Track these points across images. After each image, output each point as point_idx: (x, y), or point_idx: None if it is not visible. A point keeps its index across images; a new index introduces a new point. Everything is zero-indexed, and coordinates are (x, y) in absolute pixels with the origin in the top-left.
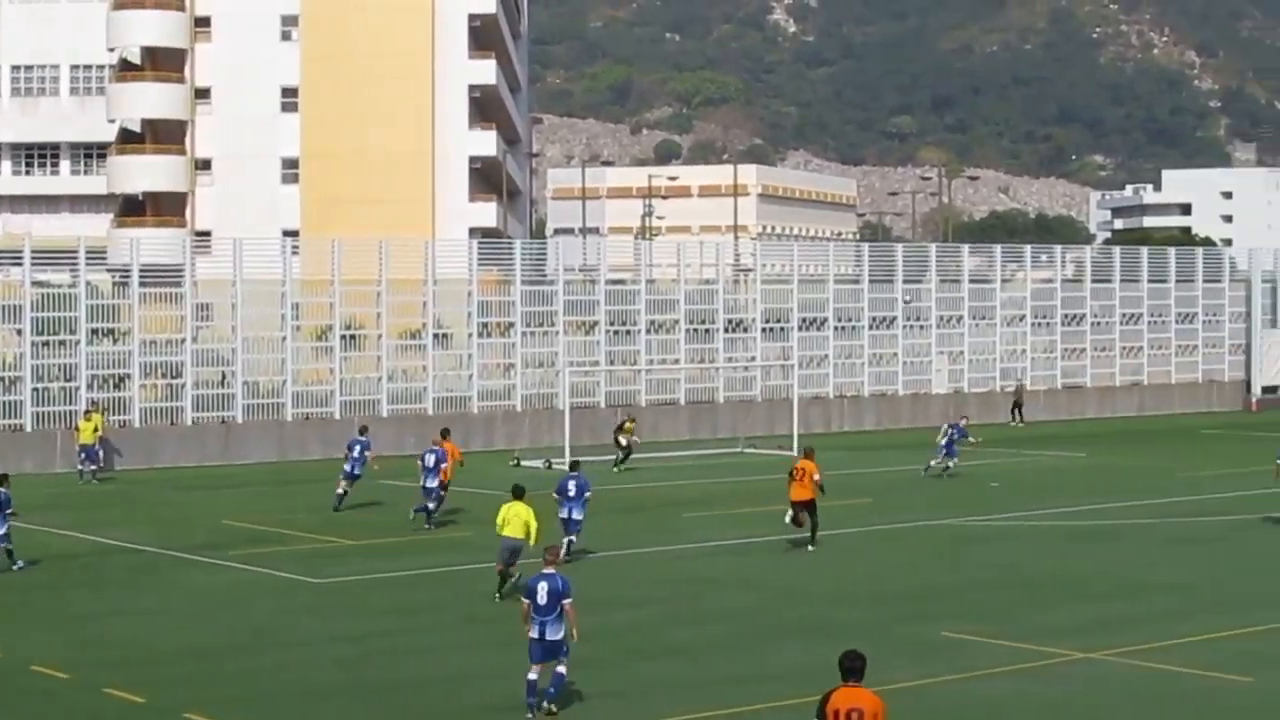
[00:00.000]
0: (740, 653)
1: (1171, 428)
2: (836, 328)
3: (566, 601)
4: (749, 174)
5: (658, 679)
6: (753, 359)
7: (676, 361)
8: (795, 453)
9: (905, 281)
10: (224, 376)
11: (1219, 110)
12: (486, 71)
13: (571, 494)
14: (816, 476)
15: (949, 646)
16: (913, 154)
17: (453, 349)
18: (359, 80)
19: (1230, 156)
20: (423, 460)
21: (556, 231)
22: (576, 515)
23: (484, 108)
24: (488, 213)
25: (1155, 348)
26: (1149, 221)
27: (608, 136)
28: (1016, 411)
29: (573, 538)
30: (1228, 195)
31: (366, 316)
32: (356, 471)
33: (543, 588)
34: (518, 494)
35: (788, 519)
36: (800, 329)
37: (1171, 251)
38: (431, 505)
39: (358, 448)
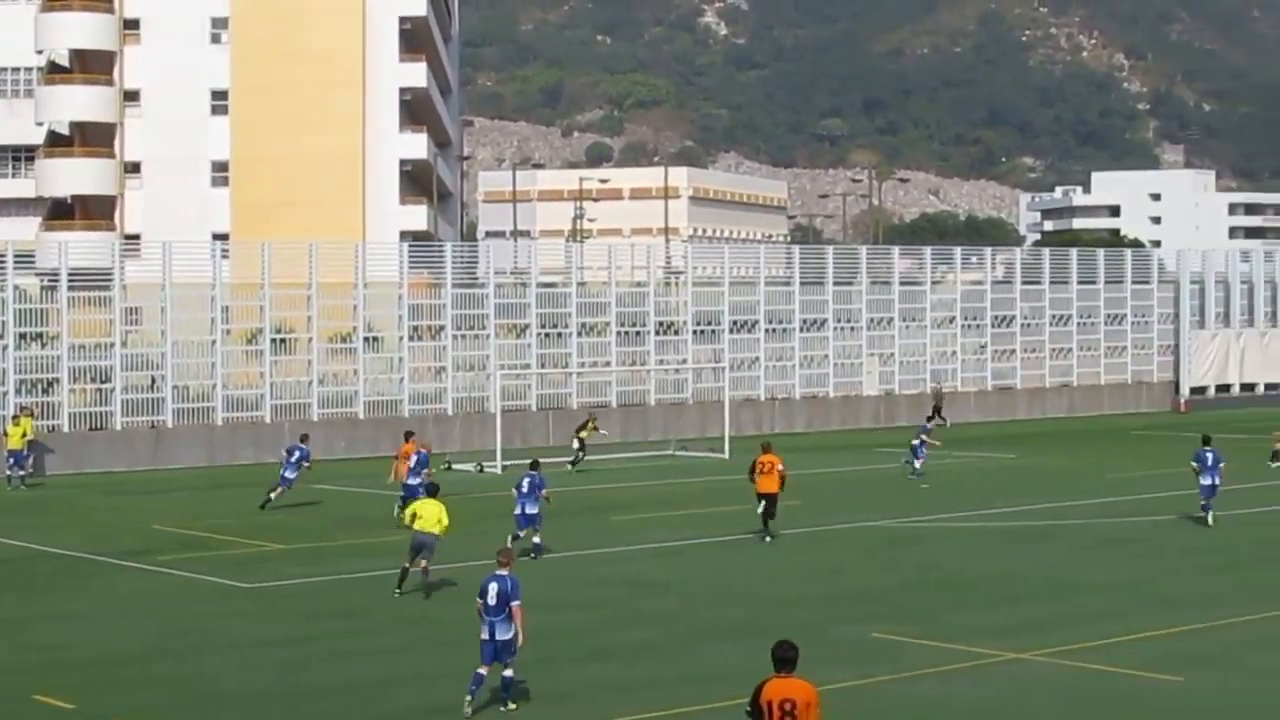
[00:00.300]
0: (673, 655)
1: (1101, 428)
2: (767, 330)
3: (515, 603)
4: (680, 176)
5: (590, 682)
6: (684, 361)
7: (608, 364)
8: (726, 455)
9: (836, 284)
10: (154, 381)
11: (1148, 112)
12: (417, 74)
13: (525, 490)
14: (781, 467)
15: (880, 648)
16: (843, 156)
17: (383, 352)
18: (289, 83)
19: (1159, 158)
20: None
21: (487, 234)
22: (531, 510)
23: (414, 110)
24: (418, 216)
25: (1085, 349)
26: (1078, 223)
27: (539, 139)
28: (937, 413)
29: (536, 538)
30: (1156, 197)
31: (297, 320)
32: (290, 475)
33: (493, 589)
34: (431, 492)
35: (760, 510)
36: (731, 331)
37: (1100, 253)
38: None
39: (296, 454)
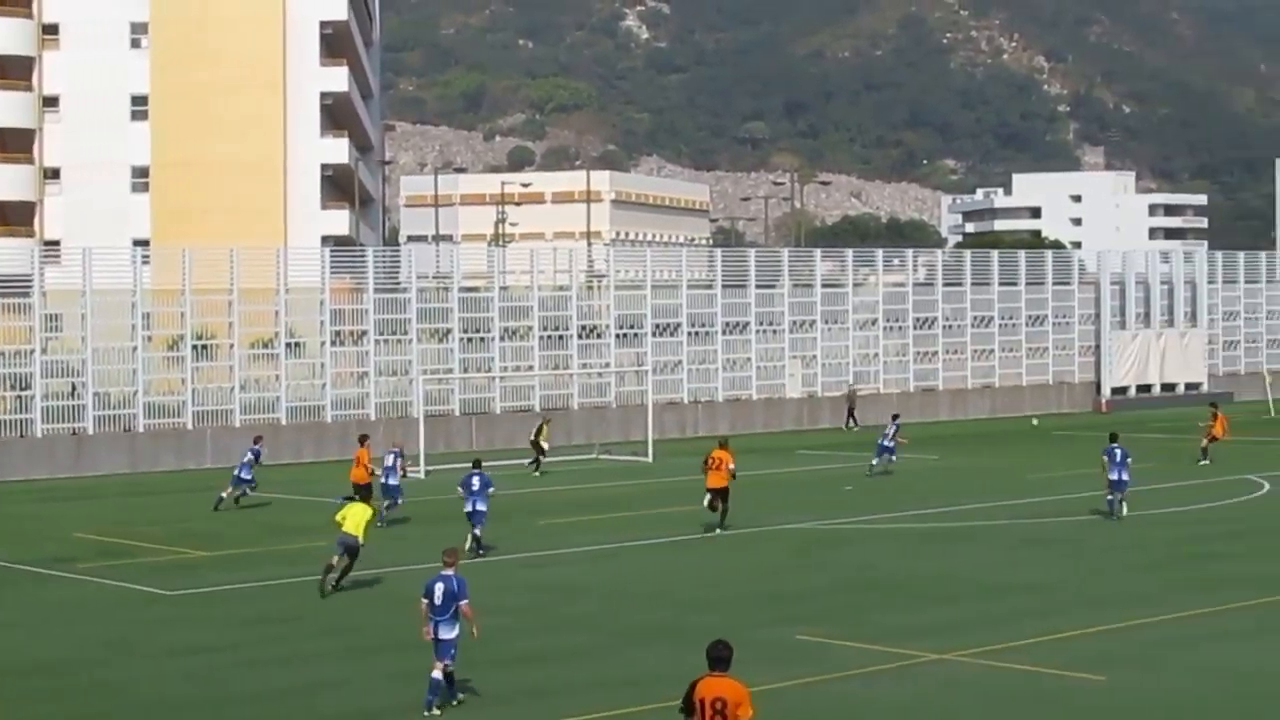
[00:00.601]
0: (597, 659)
1: (1023, 429)
2: (690, 333)
3: (463, 603)
4: (602, 180)
5: (514, 687)
6: (607, 365)
7: (531, 368)
8: (650, 458)
9: (758, 287)
10: (74, 388)
11: (1068, 114)
12: (338, 79)
13: (475, 488)
14: (731, 465)
15: (804, 649)
16: (765, 159)
17: (306, 358)
18: (210, 88)
19: (1079, 160)
20: (383, 460)
21: (410, 239)
22: (481, 507)
23: (336, 115)
24: (340, 220)
25: (1006, 350)
26: (1000, 225)
27: (461, 143)
28: (851, 416)
29: (478, 531)
30: (1077, 199)
31: (218, 326)
32: (245, 476)
33: (439, 589)
34: (364, 497)
35: (705, 503)
36: (654, 334)
37: (1022, 254)
38: (390, 502)
39: (250, 454)
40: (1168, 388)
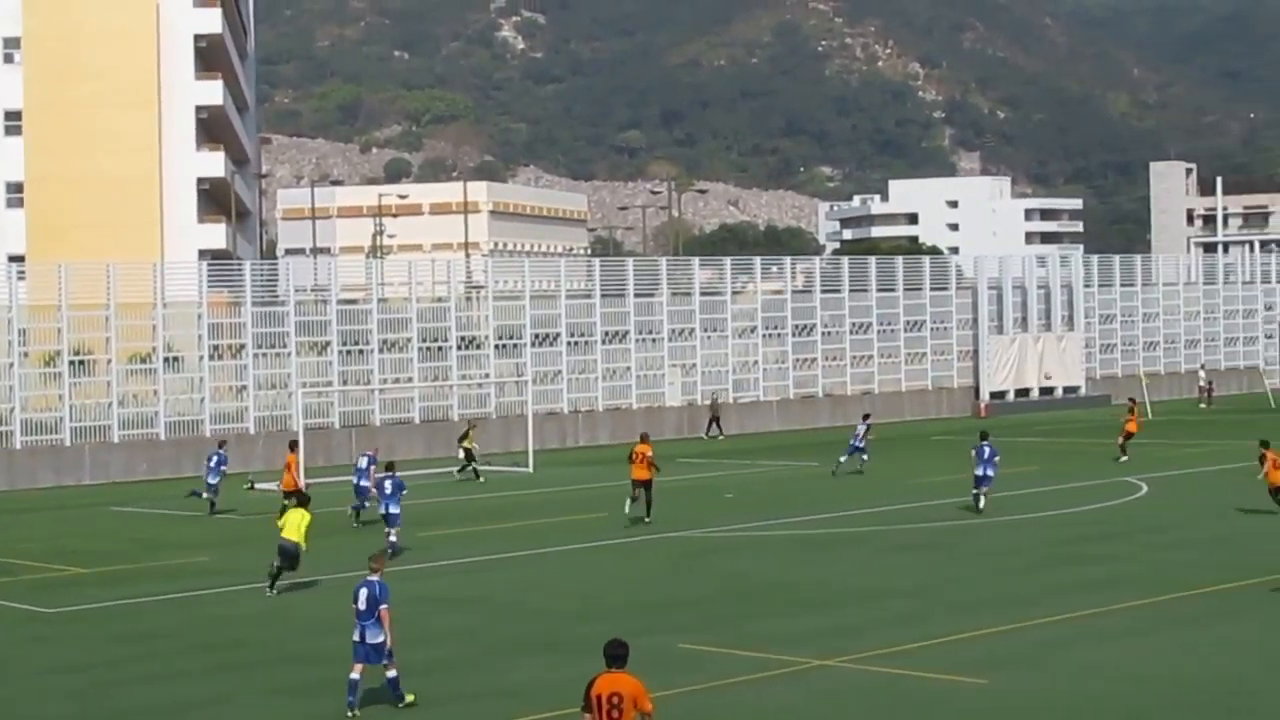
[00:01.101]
0: (473, 671)
1: (903, 434)
2: (569, 342)
3: (383, 607)
4: (480, 191)
5: (384, 700)
6: (486, 376)
7: (410, 380)
8: (530, 469)
9: (637, 295)
10: None
11: (943, 120)
12: (213, 92)
13: (389, 491)
14: (650, 455)
15: (687, 658)
16: (642, 168)
17: (184, 372)
18: (84, 102)
19: (955, 166)
20: (355, 463)
21: (287, 252)
22: (394, 510)
23: (211, 128)
24: (217, 234)
25: (885, 356)
26: (877, 231)
27: (337, 156)
28: (714, 424)
29: (392, 533)
30: (953, 204)
31: (95, 341)
32: (214, 481)
33: (363, 593)
34: (302, 502)
35: (630, 497)
36: (533, 345)
37: (899, 260)
38: (360, 503)
39: (214, 459)
40: (1045, 391)
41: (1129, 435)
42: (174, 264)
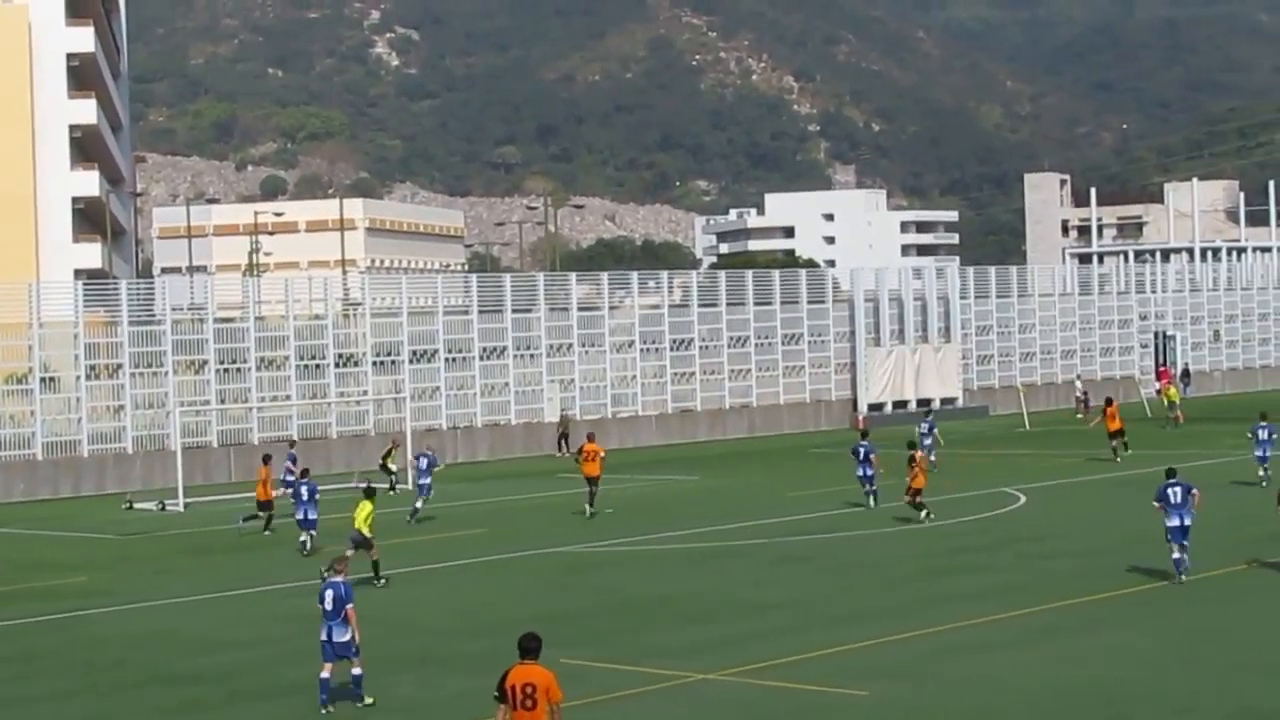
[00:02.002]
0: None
1: (782, 447)
2: (447, 359)
3: (349, 606)
4: (355, 208)
5: (283, 716)
6: (365, 393)
7: (288, 398)
8: (406, 485)
9: (514, 311)
10: None
11: (818, 133)
12: (87, 111)
13: (305, 497)
14: (602, 454)
15: (568, 674)
16: (519, 184)
17: (61, 392)
18: None
19: (831, 179)
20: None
21: (164, 270)
22: (312, 515)
23: (85, 147)
24: (92, 254)
25: (763, 369)
26: (753, 245)
27: (213, 173)
28: (563, 442)
29: (313, 534)
30: (829, 217)
31: None
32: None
33: (329, 595)
34: (369, 494)
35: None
36: (411, 361)
37: (776, 274)
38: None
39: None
40: (923, 403)
41: (1116, 433)
42: (49, 284)
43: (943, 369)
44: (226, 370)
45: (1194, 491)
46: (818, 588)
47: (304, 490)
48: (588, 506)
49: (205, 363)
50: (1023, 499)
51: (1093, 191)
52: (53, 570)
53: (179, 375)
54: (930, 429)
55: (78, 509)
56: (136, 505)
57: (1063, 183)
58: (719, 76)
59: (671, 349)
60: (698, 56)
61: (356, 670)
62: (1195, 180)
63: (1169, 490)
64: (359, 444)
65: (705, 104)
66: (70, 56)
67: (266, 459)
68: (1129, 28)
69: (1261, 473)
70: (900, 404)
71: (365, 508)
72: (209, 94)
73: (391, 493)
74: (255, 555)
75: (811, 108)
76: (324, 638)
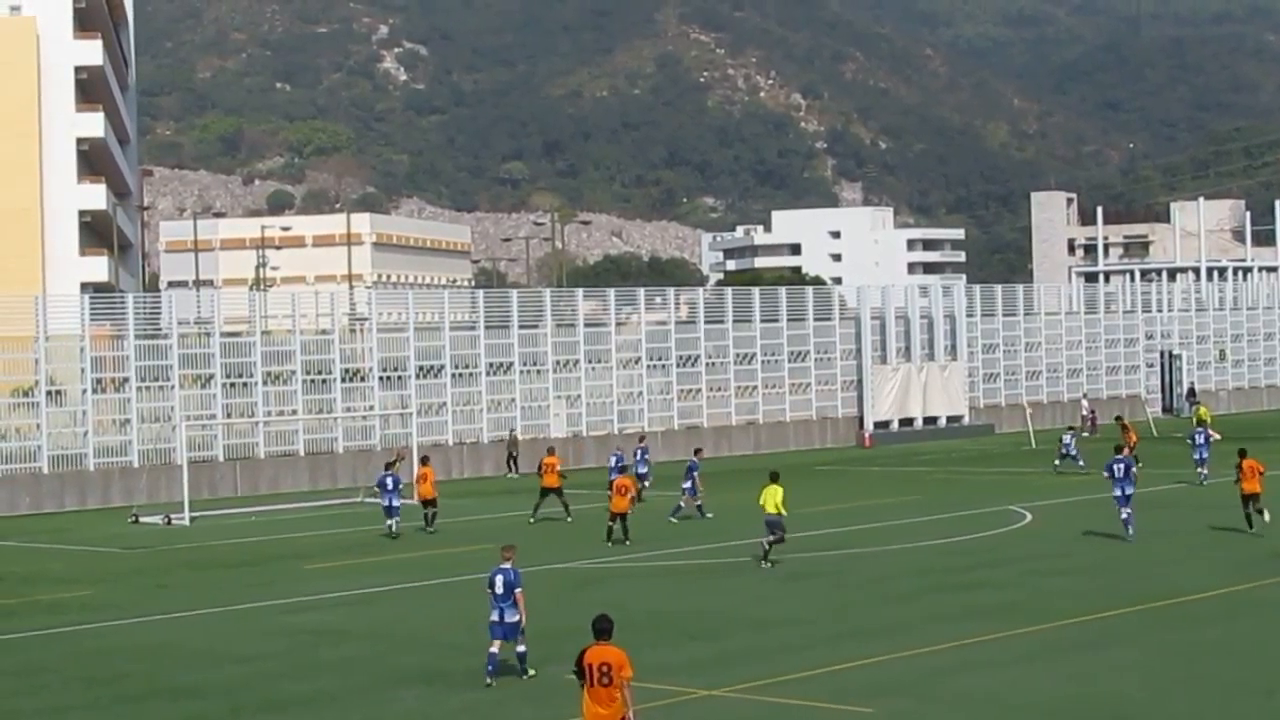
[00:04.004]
0: (355, 703)
1: (788, 465)
2: (454, 374)
3: (518, 590)
4: (362, 223)
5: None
6: (371, 408)
7: (294, 412)
8: (415, 501)
9: (521, 327)
10: None
11: (825, 151)
12: (94, 124)
13: (390, 487)
14: (559, 468)
15: (572, 689)
16: (525, 200)
17: (66, 406)
18: None
19: (837, 196)
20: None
21: (170, 284)
22: (396, 503)
23: (93, 161)
24: (99, 267)
25: (769, 386)
26: (760, 262)
27: (219, 188)
28: (512, 463)
29: (397, 520)
30: (836, 234)
31: None
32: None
33: (499, 580)
34: (774, 478)
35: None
36: (417, 377)
37: (782, 291)
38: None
39: (390, 481)
40: (929, 420)
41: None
42: (56, 297)
43: (949, 387)
44: (233, 384)
45: (1133, 470)
46: (822, 604)
47: (389, 481)
48: (531, 516)
49: (211, 377)
50: (1028, 517)
51: (1099, 210)
52: (57, 584)
53: (185, 389)
54: (1073, 439)
55: (83, 522)
56: (142, 519)
57: (1069, 201)
58: (726, 93)
59: (678, 365)
60: (705, 73)
61: (521, 648)
62: (1201, 199)
63: (1114, 465)
64: (365, 459)
65: (712, 121)
66: (78, 69)
67: (425, 460)
68: (1136, 47)
69: (1202, 471)
70: (906, 422)
71: (777, 491)
72: (216, 108)
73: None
74: (259, 570)
75: (819, 125)
76: (494, 618)
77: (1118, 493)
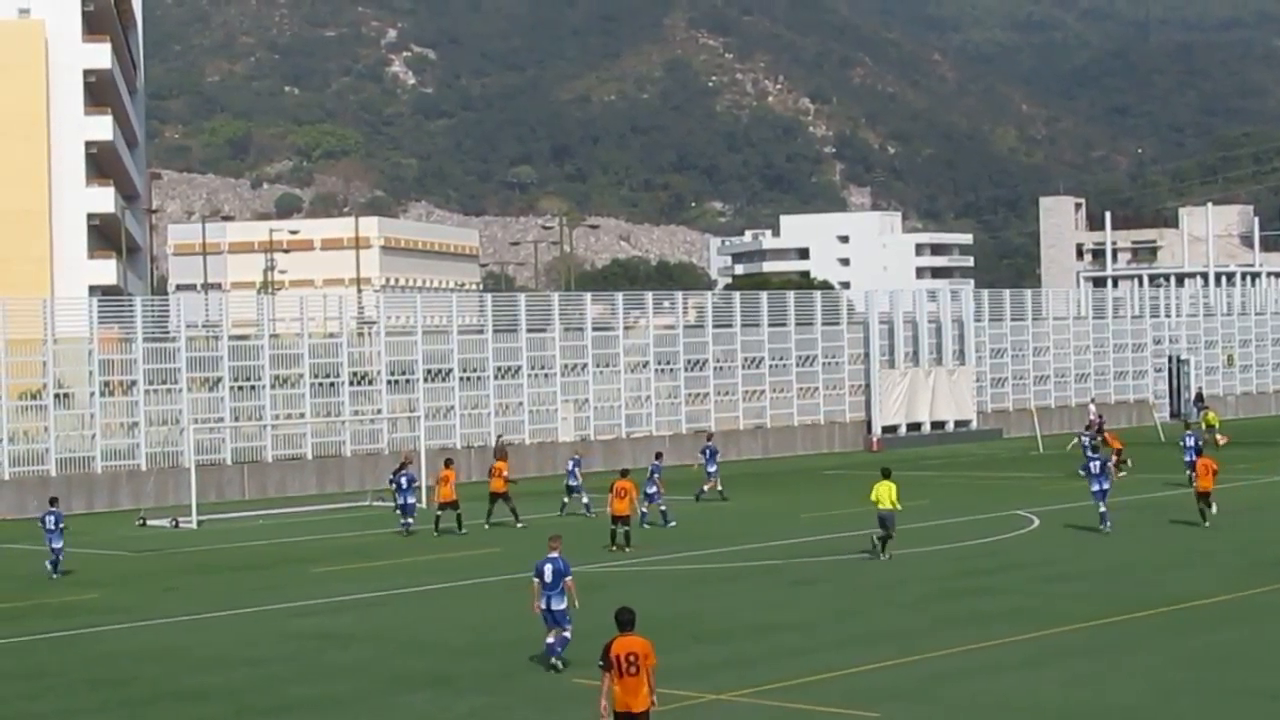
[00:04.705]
0: (362, 707)
1: (795, 469)
2: (462, 378)
3: (568, 578)
4: (371, 226)
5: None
6: (379, 411)
7: (302, 416)
8: (422, 504)
9: (529, 331)
10: None
11: (834, 156)
12: (103, 127)
13: (404, 486)
14: (506, 473)
15: (581, 694)
16: (534, 204)
17: (75, 409)
18: None
19: (846, 201)
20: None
21: (178, 287)
22: (410, 501)
23: (101, 164)
24: (107, 270)
25: (777, 390)
26: (768, 266)
27: (228, 191)
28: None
29: (411, 519)
30: (844, 239)
31: None
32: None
33: (549, 568)
34: (886, 473)
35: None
36: (426, 380)
37: (791, 295)
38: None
39: (51, 519)
40: (937, 425)
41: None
42: (64, 300)
43: (956, 392)
44: (241, 388)
45: (1108, 465)
46: (830, 609)
47: (403, 480)
48: (486, 521)
49: (219, 380)
50: (1036, 522)
51: (1107, 215)
52: (64, 587)
53: (193, 392)
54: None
55: (91, 525)
56: (150, 522)
57: (1077, 206)
58: (735, 98)
59: (686, 370)
60: (714, 78)
61: (566, 634)
62: (1209, 205)
63: (1091, 464)
64: (373, 462)
65: (721, 125)
66: (87, 73)
67: (449, 463)
68: (1144, 52)
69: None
70: (914, 426)
71: (892, 487)
72: (225, 111)
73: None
74: (267, 573)
75: (827, 130)
76: (543, 606)
77: (1095, 488)
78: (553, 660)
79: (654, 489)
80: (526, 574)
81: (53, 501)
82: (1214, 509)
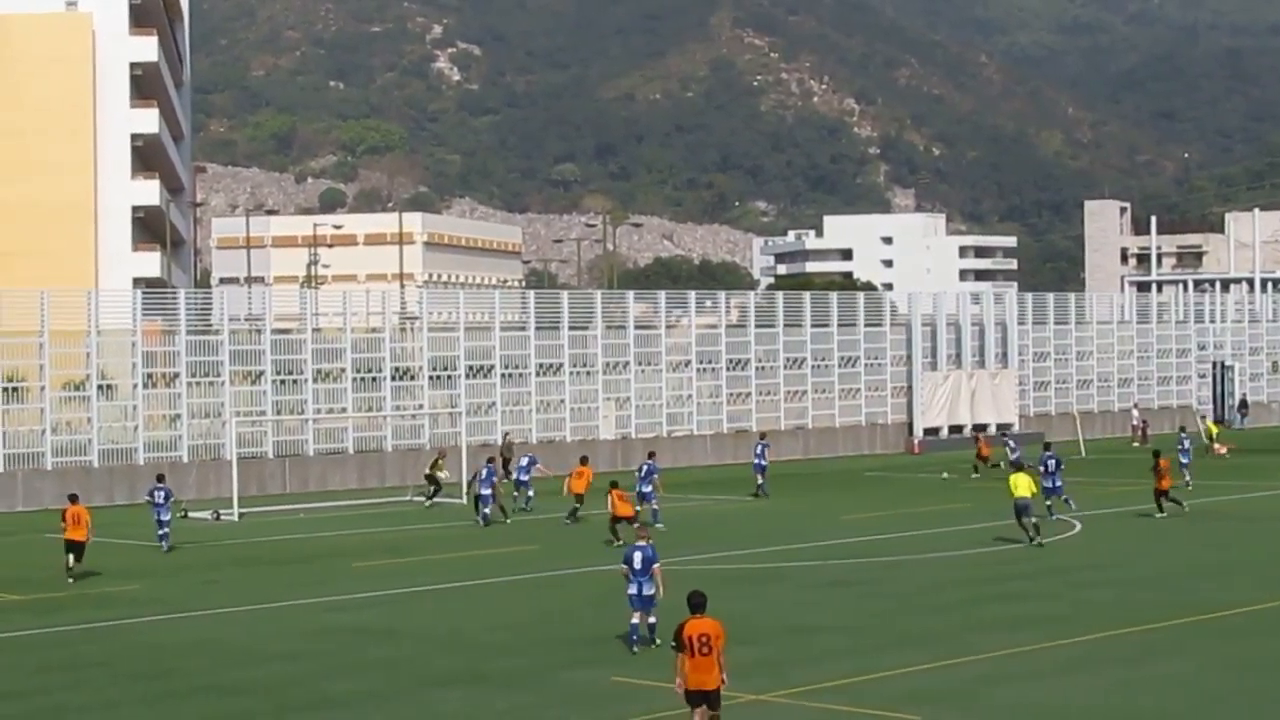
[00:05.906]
0: (399, 703)
1: (836, 470)
2: (503, 375)
3: (656, 565)
4: (414, 222)
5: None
6: (420, 407)
7: (344, 410)
8: (463, 500)
9: (571, 328)
10: None
11: (878, 157)
12: (149, 120)
13: (484, 476)
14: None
15: (619, 693)
16: (577, 201)
17: (118, 400)
18: (18, 129)
19: (890, 202)
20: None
21: (221, 281)
22: (485, 492)
23: (146, 157)
24: (151, 262)
25: (819, 391)
26: (811, 267)
27: (272, 185)
28: (505, 467)
29: (487, 511)
30: (888, 240)
31: (29, 369)
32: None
33: (638, 556)
34: (1018, 466)
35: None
36: (467, 376)
37: (833, 296)
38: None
39: (160, 494)
40: (979, 428)
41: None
42: (108, 292)
43: (999, 395)
44: (283, 381)
45: (1062, 465)
46: (868, 611)
47: (483, 471)
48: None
49: (262, 373)
50: (1077, 526)
51: (1153, 220)
52: (106, 578)
53: (235, 385)
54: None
55: (132, 517)
56: (191, 514)
57: (1122, 211)
58: (779, 98)
59: (728, 369)
60: (759, 77)
61: (653, 619)
62: (1256, 210)
63: (1048, 460)
64: (414, 458)
65: (765, 125)
66: (133, 66)
67: (585, 459)
68: (1192, 57)
69: (1186, 477)
70: (956, 429)
71: (1030, 478)
72: (269, 106)
73: (428, 506)
74: (307, 568)
75: (872, 131)
76: (633, 591)
77: (1048, 485)
78: (634, 640)
79: (649, 488)
80: (565, 571)
81: (160, 478)
82: (1185, 506)
